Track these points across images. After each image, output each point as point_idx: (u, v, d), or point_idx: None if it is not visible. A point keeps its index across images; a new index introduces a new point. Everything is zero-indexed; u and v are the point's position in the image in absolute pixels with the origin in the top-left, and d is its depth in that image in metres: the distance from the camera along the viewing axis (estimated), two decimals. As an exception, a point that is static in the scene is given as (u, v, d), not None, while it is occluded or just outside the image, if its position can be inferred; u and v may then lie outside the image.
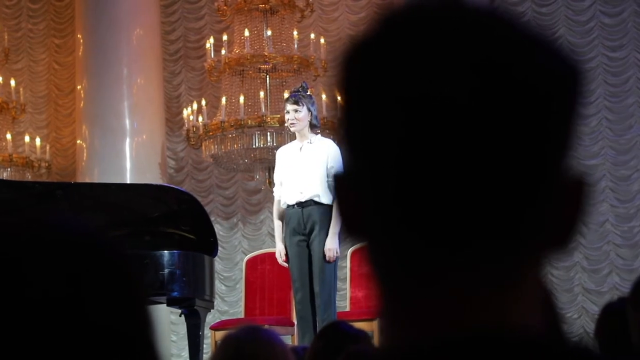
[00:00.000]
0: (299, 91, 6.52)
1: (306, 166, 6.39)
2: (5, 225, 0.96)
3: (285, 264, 6.51)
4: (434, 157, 0.76)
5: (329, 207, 6.34)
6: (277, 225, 6.59)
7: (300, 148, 6.47)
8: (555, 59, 0.79)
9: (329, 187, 6.32)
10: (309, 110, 6.40)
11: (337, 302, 8.76)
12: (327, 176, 6.33)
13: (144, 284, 0.99)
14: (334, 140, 6.68)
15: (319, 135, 6.53)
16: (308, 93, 6.53)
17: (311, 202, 6.36)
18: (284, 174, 6.56)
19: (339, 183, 0.81)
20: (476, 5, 0.79)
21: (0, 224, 0.95)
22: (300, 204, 6.38)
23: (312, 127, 6.44)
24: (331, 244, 6.25)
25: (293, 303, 6.86)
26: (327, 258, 6.26)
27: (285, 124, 6.73)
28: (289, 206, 6.45)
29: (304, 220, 6.37)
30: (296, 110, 6.39)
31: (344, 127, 0.80)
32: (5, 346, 0.90)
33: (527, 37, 0.79)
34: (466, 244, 0.76)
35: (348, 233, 0.81)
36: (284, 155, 6.59)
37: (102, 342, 0.92)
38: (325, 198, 6.34)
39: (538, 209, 0.77)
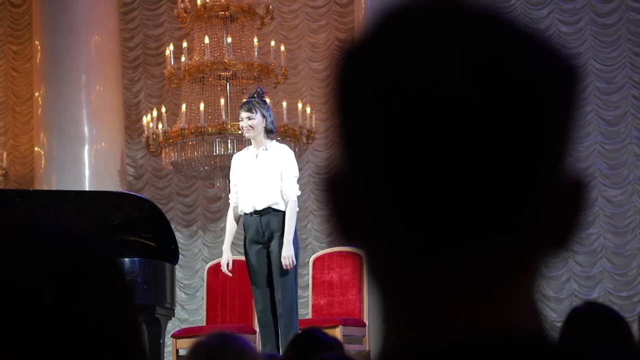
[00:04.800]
0: (253, 97, 6.51)
1: (262, 174, 6.38)
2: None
3: (230, 274, 6.50)
4: (429, 158, 0.75)
5: (284, 214, 6.34)
6: (229, 232, 6.56)
7: (256, 155, 6.45)
8: (550, 57, 0.79)
9: (281, 193, 6.33)
10: (263, 116, 6.39)
11: (299, 309, 8.76)
12: (281, 182, 6.34)
13: (133, 289, 0.98)
14: (290, 146, 6.67)
15: (275, 141, 6.52)
16: (263, 99, 6.52)
17: (269, 210, 6.35)
18: (239, 181, 6.53)
19: (334, 185, 0.80)
20: (472, 4, 0.78)
21: None
22: (258, 212, 6.37)
23: (268, 132, 6.42)
24: (286, 252, 6.25)
25: (255, 311, 6.84)
26: (283, 266, 6.25)
27: (240, 131, 6.71)
28: (245, 214, 6.43)
29: (262, 228, 6.36)
30: (249, 118, 6.39)
31: (340, 129, 0.80)
32: None
33: (522, 35, 0.78)
34: (463, 246, 0.76)
35: (344, 235, 0.81)
36: (239, 162, 6.56)
37: (91, 345, 0.91)
38: (281, 205, 6.34)
39: (535, 209, 0.77)
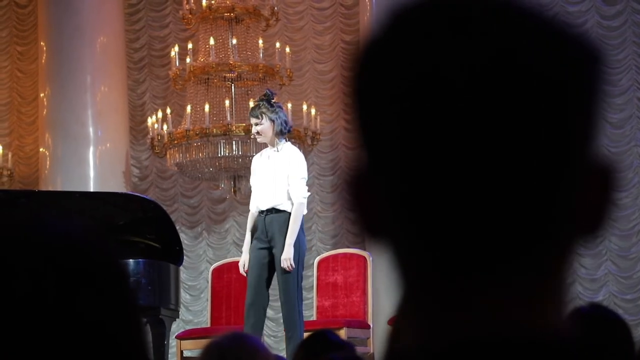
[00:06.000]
0: (261, 101, 6.53)
1: (271, 174, 6.42)
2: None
3: (245, 274, 6.52)
4: (452, 159, 0.74)
5: (289, 215, 6.36)
6: (248, 235, 6.59)
7: (269, 156, 6.50)
8: (571, 44, 0.77)
9: (288, 195, 6.34)
10: (271, 120, 6.41)
11: (303, 311, 8.74)
12: (288, 184, 6.35)
13: (138, 290, 0.98)
14: (299, 147, 6.65)
15: (288, 143, 6.54)
16: (273, 101, 6.53)
17: (273, 210, 6.37)
18: (253, 182, 6.59)
19: (356, 185, 0.79)
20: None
21: None
22: (263, 212, 6.40)
23: (280, 134, 6.45)
24: (286, 254, 6.27)
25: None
26: (285, 268, 6.28)
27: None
28: (255, 214, 6.48)
29: (266, 228, 6.40)
30: (257, 124, 6.43)
31: (357, 129, 0.78)
32: None
33: (540, 23, 0.77)
34: (492, 248, 0.74)
35: (370, 235, 0.79)
36: (255, 163, 6.65)
37: (94, 346, 0.91)
38: (286, 206, 6.36)
39: (565, 201, 0.75)
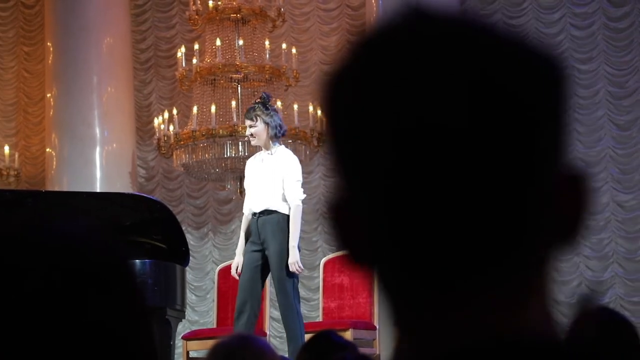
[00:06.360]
0: (257, 104, 6.58)
1: (264, 177, 6.47)
2: (6, 231, 0.94)
3: (237, 277, 6.57)
4: (426, 182, 0.75)
5: (282, 217, 6.38)
6: (241, 238, 6.63)
7: (262, 159, 6.56)
8: (535, 60, 0.78)
9: (282, 198, 6.39)
10: (265, 123, 6.45)
11: (308, 312, 8.78)
12: (283, 188, 6.39)
13: (146, 291, 0.98)
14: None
15: (282, 146, 6.57)
16: (268, 104, 6.56)
17: (266, 212, 6.41)
18: (247, 185, 6.65)
19: (336, 213, 0.80)
20: (448, 17, 0.78)
21: (1, 229, 0.94)
22: (256, 215, 6.45)
23: (274, 137, 6.48)
24: (292, 258, 6.30)
25: (266, 315, 6.85)
26: (292, 271, 6.30)
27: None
28: (251, 216, 6.54)
29: (259, 230, 6.44)
30: (251, 126, 6.49)
31: (333, 157, 0.80)
32: (6, 348, 0.88)
33: (506, 42, 0.78)
34: (470, 262, 0.76)
35: (354, 259, 0.80)
36: (249, 166, 6.70)
37: (100, 346, 0.91)
38: (279, 207, 6.38)
39: (539, 212, 0.77)
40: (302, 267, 6.37)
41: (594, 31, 10.35)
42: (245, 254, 6.52)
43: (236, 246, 9.48)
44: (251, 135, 6.51)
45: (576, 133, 10.14)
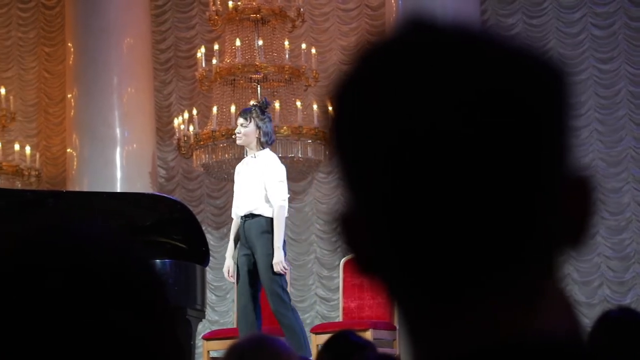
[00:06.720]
0: (254, 107, 6.64)
1: (248, 181, 6.54)
2: (26, 232, 0.95)
3: (232, 280, 6.62)
4: (430, 191, 0.75)
5: (265, 220, 6.42)
6: (231, 240, 6.71)
7: (247, 163, 6.65)
8: (537, 66, 0.79)
9: (265, 200, 6.44)
10: (257, 126, 6.50)
11: (328, 312, 8.78)
12: (265, 189, 6.43)
13: (166, 292, 0.98)
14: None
15: (266, 149, 6.61)
16: (265, 110, 6.61)
17: (250, 216, 6.49)
18: (234, 189, 6.77)
19: (344, 224, 0.81)
20: (454, 27, 0.79)
21: (22, 230, 0.94)
22: (242, 218, 6.53)
23: (262, 143, 6.53)
24: (276, 258, 6.35)
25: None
26: (276, 272, 6.31)
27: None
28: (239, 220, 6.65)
29: (246, 234, 6.53)
30: (242, 125, 6.54)
31: (339, 168, 0.81)
32: (28, 348, 0.89)
33: (506, 48, 0.78)
34: (476, 270, 0.76)
35: (362, 269, 0.81)
36: (237, 170, 6.81)
37: (122, 347, 0.91)
38: (262, 211, 6.41)
39: (545, 216, 0.77)
40: (286, 266, 6.39)
41: (615, 30, 10.30)
42: (238, 258, 6.61)
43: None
44: (240, 133, 6.56)
45: (597, 133, 10.09)
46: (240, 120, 6.59)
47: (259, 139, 6.53)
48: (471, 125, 0.75)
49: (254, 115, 6.54)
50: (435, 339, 0.77)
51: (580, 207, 0.79)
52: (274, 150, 8.86)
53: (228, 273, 6.65)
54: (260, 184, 6.47)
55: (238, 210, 6.59)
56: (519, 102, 0.76)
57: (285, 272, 6.43)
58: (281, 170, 6.52)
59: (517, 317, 0.76)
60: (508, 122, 0.75)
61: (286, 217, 6.61)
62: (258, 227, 6.44)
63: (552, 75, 0.79)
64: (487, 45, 0.78)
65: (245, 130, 6.53)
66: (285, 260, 6.44)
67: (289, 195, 6.59)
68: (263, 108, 6.60)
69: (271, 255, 6.39)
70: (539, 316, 0.77)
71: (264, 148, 6.57)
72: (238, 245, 6.64)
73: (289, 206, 6.69)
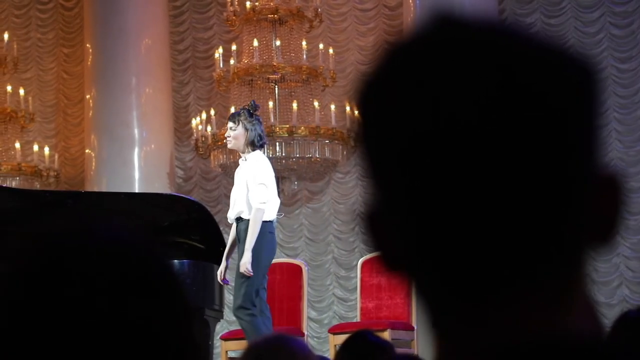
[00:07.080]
0: (243, 109, 6.65)
1: (237, 184, 6.57)
2: (52, 233, 0.95)
3: (222, 283, 6.62)
4: (460, 189, 0.75)
5: (249, 224, 6.43)
6: (229, 243, 6.71)
7: (239, 166, 6.66)
8: (566, 62, 0.78)
9: (248, 201, 6.43)
10: (245, 129, 6.50)
11: (346, 312, 8.78)
12: (248, 190, 6.44)
13: (185, 292, 0.98)
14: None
15: (256, 151, 6.57)
16: (254, 113, 6.60)
17: (239, 220, 6.51)
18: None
19: (370, 222, 0.81)
20: (480, 23, 0.78)
21: (47, 231, 0.95)
22: (235, 221, 6.55)
23: (252, 145, 6.51)
24: (244, 259, 6.33)
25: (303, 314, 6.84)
26: (243, 273, 6.32)
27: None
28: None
29: (238, 236, 6.54)
30: (231, 128, 6.57)
31: (366, 167, 0.80)
32: (51, 349, 0.89)
33: (534, 45, 0.78)
34: (503, 269, 0.76)
35: (387, 265, 0.81)
36: (235, 173, 6.78)
37: (143, 347, 0.91)
38: (247, 215, 6.44)
39: (575, 214, 0.77)
40: (250, 270, 6.32)
41: (633, 30, 10.25)
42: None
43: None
44: (229, 137, 6.59)
45: (615, 132, 10.05)
46: (230, 124, 6.61)
47: (248, 140, 6.53)
48: (502, 122, 0.75)
49: (242, 118, 6.55)
50: (463, 337, 0.77)
51: (609, 206, 0.78)
52: (291, 151, 8.90)
53: (221, 275, 6.61)
54: (244, 188, 6.49)
55: (230, 213, 6.62)
56: (550, 100, 0.76)
57: (250, 275, 6.35)
58: (264, 173, 6.45)
59: (546, 317, 0.76)
60: (539, 121, 0.75)
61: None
62: (243, 230, 6.46)
63: (581, 71, 0.78)
64: (515, 42, 0.78)
65: (235, 134, 6.54)
66: (268, 260, 6.42)
67: (268, 199, 6.45)
68: (251, 111, 6.61)
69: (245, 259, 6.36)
70: (567, 316, 0.77)
71: (254, 150, 6.56)
72: (236, 248, 6.66)
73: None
